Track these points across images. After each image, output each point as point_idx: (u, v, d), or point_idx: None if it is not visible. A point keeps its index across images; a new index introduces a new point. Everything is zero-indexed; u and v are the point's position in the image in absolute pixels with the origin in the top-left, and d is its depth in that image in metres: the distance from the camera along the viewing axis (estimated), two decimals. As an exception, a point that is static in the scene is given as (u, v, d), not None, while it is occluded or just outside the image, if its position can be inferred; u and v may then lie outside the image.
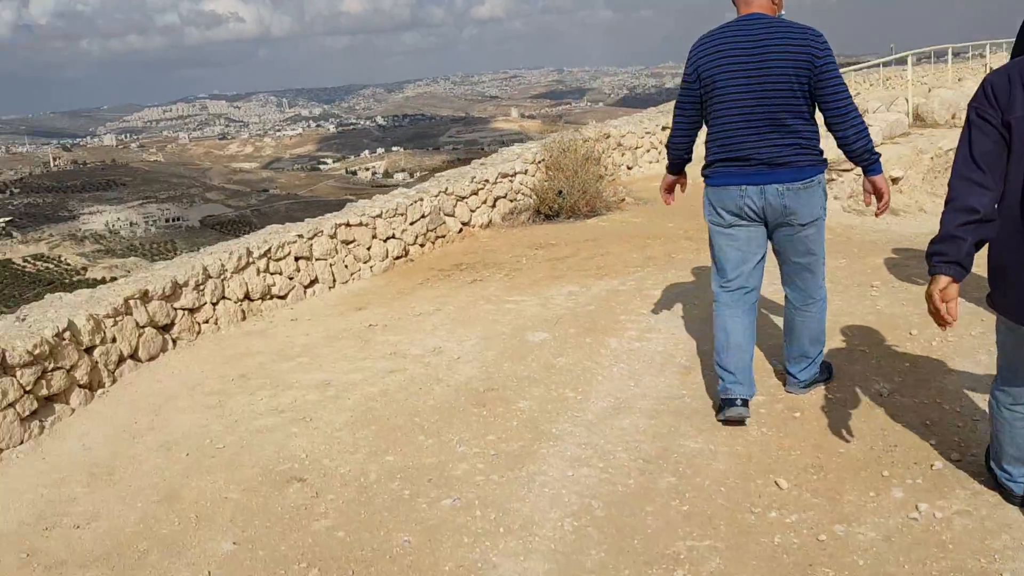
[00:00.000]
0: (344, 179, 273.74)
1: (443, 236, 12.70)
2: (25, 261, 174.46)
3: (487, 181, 13.69)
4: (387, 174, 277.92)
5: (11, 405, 6.65)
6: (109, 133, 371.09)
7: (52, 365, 7.09)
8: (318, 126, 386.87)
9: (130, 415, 7.23)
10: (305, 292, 10.42)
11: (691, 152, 6.26)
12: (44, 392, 7.00)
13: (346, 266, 11.07)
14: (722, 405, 6.15)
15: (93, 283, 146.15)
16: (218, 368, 8.20)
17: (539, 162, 14.85)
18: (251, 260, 9.69)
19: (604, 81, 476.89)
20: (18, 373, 6.75)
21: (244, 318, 9.54)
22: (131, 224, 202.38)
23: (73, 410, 7.27)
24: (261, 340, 8.96)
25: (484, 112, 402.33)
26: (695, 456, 5.77)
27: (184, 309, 8.81)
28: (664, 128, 18.20)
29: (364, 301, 10.22)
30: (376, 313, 9.63)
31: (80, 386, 7.40)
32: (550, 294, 9.94)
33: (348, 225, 11.12)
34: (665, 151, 6.41)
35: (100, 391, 7.62)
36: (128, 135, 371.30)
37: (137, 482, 6.11)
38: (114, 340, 7.86)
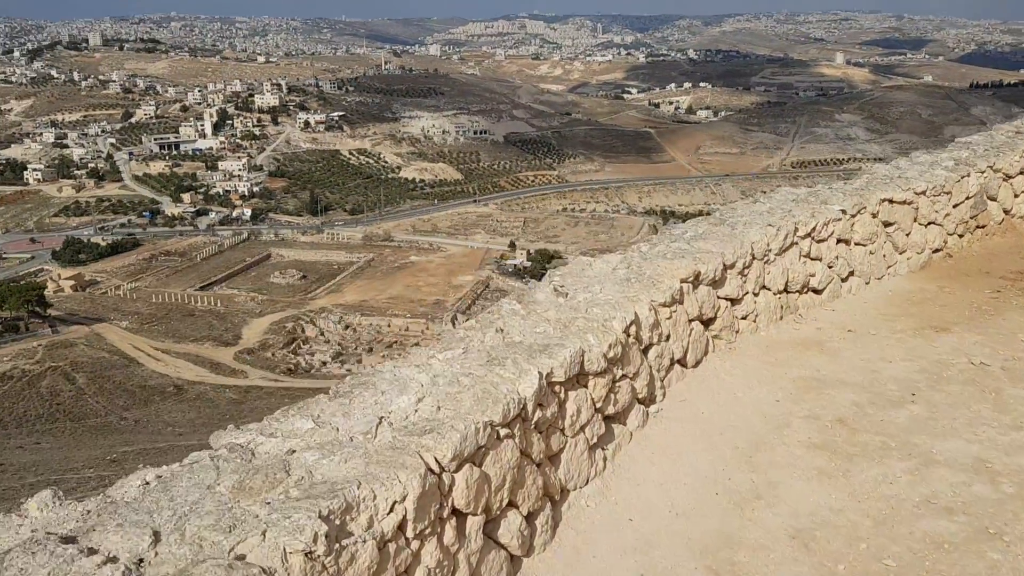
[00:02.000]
0: (646, 111, 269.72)
1: (982, 226, 9.54)
2: (350, 154, 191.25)
3: (1038, 158, 10.20)
4: (690, 110, 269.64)
5: (582, 428, 4.76)
6: (435, 43, 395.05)
7: (619, 372, 5.14)
8: (628, 54, 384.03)
9: (712, 458, 5.13)
10: (841, 287, 7.87)
11: None
12: (610, 410, 5.07)
13: (884, 256, 8.37)
14: None
15: (405, 182, 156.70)
16: (791, 395, 5.90)
17: (1095, 137, 11.01)
18: (795, 240, 7.27)
19: (949, 33, 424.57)
20: (591, 384, 4.85)
21: (781, 316, 7.19)
22: (443, 132, 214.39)
23: (631, 435, 5.31)
24: (824, 358, 6.55)
25: (805, 55, 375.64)
26: None
27: (727, 299, 6.61)
28: None
29: (934, 315, 7.46)
30: (972, 342, 6.85)
31: (638, 401, 5.42)
32: None
33: (891, 202, 8.35)
34: None
35: (653, 408, 5.62)
36: (451, 47, 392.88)
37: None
38: (668, 338, 5.80)
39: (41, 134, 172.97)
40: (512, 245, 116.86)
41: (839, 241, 7.85)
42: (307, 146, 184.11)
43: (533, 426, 4.31)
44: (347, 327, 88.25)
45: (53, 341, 76.60)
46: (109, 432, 61.88)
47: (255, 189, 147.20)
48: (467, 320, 5.64)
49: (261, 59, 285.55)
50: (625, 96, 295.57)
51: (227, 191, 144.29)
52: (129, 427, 63.32)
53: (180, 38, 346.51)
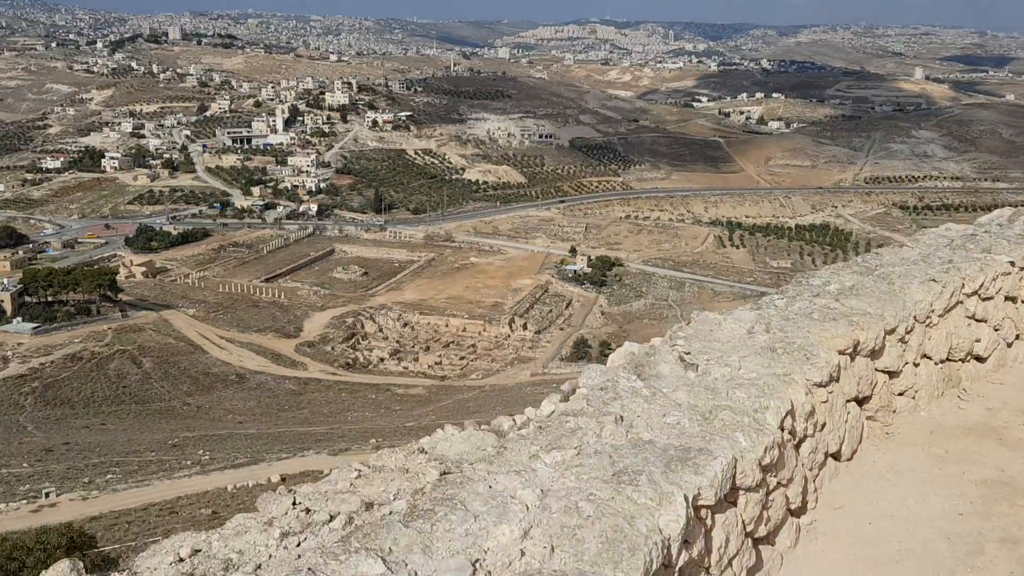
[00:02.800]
0: (715, 119, 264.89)
1: None
2: (416, 153, 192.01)
3: None
4: (761, 120, 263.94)
5: (730, 562, 3.63)
6: (504, 47, 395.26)
7: (773, 481, 3.98)
8: (699, 62, 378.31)
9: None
10: (1006, 353, 6.56)
11: None
12: (761, 531, 3.92)
13: (1054, 317, 7.00)
14: None
15: (468, 184, 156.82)
16: (977, 507, 4.66)
17: None
18: (960, 298, 6.00)
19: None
20: (741, 502, 3.71)
21: (942, 392, 5.92)
22: (508, 135, 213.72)
23: (781, 559, 4.15)
24: (1006, 452, 5.28)
25: (882, 68, 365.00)
26: None
27: (885, 372, 5.39)
28: None
29: None
30: None
31: (790, 513, 4.26)
32: None
33: (1064, 251, 6.97)
34: None
35: (804, 519, 4.45)
36: (520, 50, 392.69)
37: None
38: (823, 427, 4.62)
39: (119, 124, 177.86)
40: (573, 250, 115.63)
41: (1006, 299, 6.54)
42: (374, 145, 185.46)
43: (676, 573, 3.20)
44: (405, 325, 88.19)
45: (123, 325, 78.16)
46: (172, 416, 62.58)
47: (322, 185, 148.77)
48: (566, 394, 4.56)
49: (333, 57, 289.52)
50: (695, 104, 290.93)
51: (295, 186, 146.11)
52: (191, 412, 63.97)
53: (256, 35, 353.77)
